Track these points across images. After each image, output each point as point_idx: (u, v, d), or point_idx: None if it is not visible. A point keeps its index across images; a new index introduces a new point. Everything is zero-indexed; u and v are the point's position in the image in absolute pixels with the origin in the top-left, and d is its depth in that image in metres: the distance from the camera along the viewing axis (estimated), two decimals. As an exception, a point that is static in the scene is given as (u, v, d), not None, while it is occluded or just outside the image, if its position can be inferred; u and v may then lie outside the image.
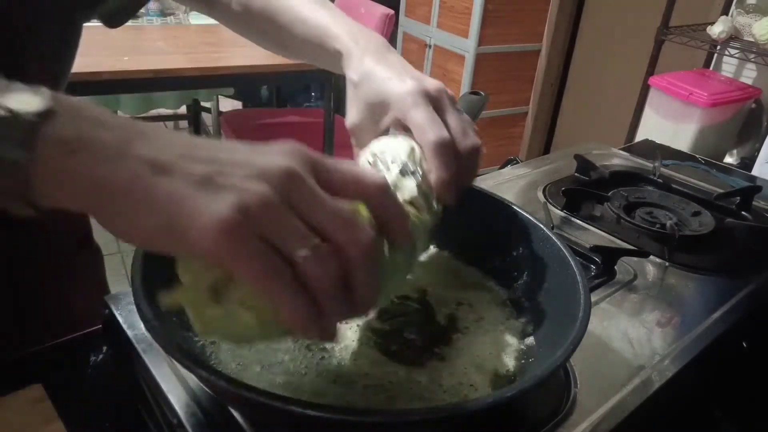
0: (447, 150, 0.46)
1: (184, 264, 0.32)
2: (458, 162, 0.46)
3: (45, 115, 0.28)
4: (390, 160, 0.45)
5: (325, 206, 0.31)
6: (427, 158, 0.46)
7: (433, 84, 0.48)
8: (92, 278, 0.70)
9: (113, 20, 0.65)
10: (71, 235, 0.65)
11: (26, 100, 0.28)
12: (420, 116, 0.46)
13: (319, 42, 0.55)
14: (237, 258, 0.28)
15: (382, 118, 0.50)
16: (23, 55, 0.51)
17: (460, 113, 0.49)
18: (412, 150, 0.46)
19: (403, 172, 0.44)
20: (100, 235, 0.70)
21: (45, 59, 0.54)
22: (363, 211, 0.35)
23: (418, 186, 0.44)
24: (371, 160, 0.46)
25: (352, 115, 0.52)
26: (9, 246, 0.56)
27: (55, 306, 0.62)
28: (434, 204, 0.46)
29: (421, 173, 0.45)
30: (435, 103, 0.48)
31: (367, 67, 0.51)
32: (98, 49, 1.77)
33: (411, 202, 0.43)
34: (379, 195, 0.34)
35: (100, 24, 0.64)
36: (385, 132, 0.51)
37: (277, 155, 0.31)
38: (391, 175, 0.44)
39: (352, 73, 0.52)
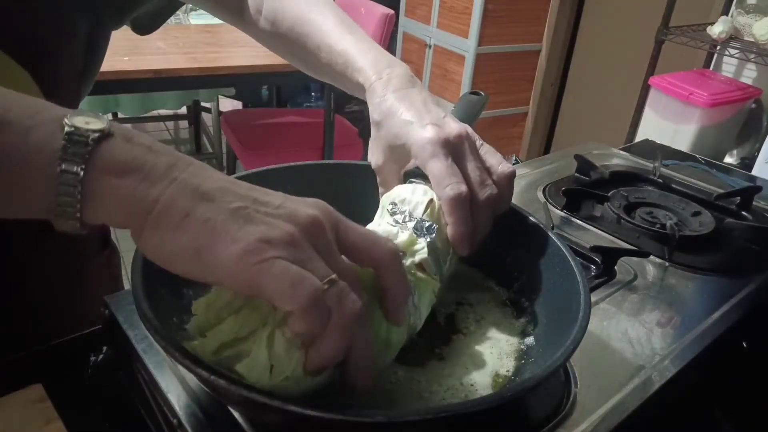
0: (463, 204, 0.46)
1: (197, 327, 0.36)
2: (476, 212, 0.47)
3: (104, 135, 0.31)
4: (408, 211, 0.47)
5: (336, 262, 0.33)
6: (444, 211, 0.47)
7: (453, 129, 0.48)
8: (108, 277, 0.70)
9: (146, 28, 0.66)
10: (92, 236, 0.66)
11: (89, 121, 0.31)
12: (438, 169, 0.46)
13: (343, 71, 0.56)
14: (261, 277, 0.30)
15: (404, 162, 0.50)
16: (57, 57, 0.52)
17: (481, 159, 0.49)
18: (431, 202, 0.47)
19: (418, 230, 0.46)
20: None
21: (75, 62, 0.55)
22: (365, 277, 0.38)
23: (431, 244, 0.45)
24: (390, 208, 0.48)
25: (376, 156, 0.53)
26: (30, 246, 0.56)
27: (70, 304, 0.62)
28: (446, 264, 0.47)
29: (436, 229, 0.46)
30: (455, 150, 0.47)
31: (388, 106, 0.51)
32: (98, 49, 1.77)
33: (420, 264, 0.44)
34: (388, 264, 0.37)
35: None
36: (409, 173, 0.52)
37: (307, 205, 0.34)
38: (406, 231, 0.45)
39: (374, 112, 0.52)
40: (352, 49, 0.55)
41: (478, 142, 0.50)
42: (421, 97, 0.51)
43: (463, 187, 0.46)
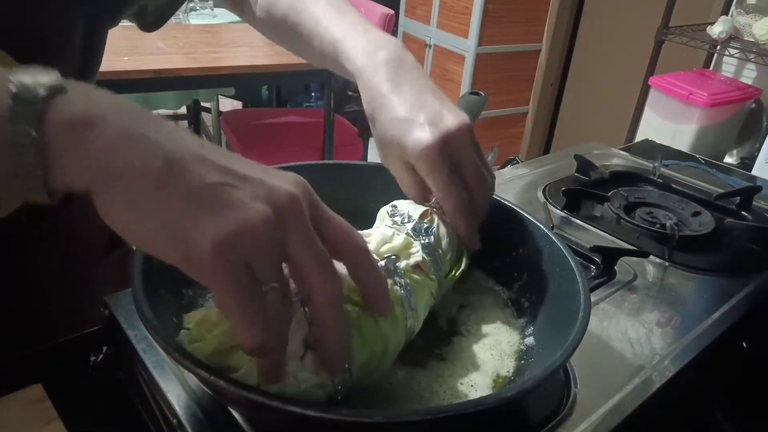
0: (466, 209, 0.47)
1: (188, 340, 0.36)
2: (476, 206, 0.48)
3: (57, 90, 0.29)
4: (407, 213, 0.48)
5: (313, 244, 0.32)
6: (449, 218, 0.48)
7: (451, 126, 0.46)
8: (120, 278, 0.70)
9: (152, 25, 0.67)
10: (101, 237, 0.66)
11: (38, 77, 0.29)
12: (440, 181, 0.46)
13: (334, 59, 0.54)
14: (221, 279, 0.29)
15: (406, 158, 0.48)
16: (55, 56, 0.52)
17: (479, 152, 0.49)
18: (426, 212, 0.48)
19: (416, 230, 0.46)
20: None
21: (74, 65, 0.55)
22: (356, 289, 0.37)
23: (428, 246, 0.46)
24: (389, 210, 0.49)
25: (380, 154, 0.52)
26: (35, 246, 0.56)
27: (79, 305, 0.62)
28: (443, 266, 0.48)
29: (434, 232, 0.47)
30: (453, 150, 0.46)
31: (380, 101, 0.48)
32: (98, 49, 1.77)
33: (417, 266, 0.45)
34: (358, 259, 0.35)
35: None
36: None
37: (286, 181, 0.32)
38: (401, 234, 0.46)
39: (366, 107, 0.50)
40: (341, 36, 0.53)
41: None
42: (415, 86, 0.48)
43: (464, 195, 0.47)
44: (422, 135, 0.46)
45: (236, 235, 0.29)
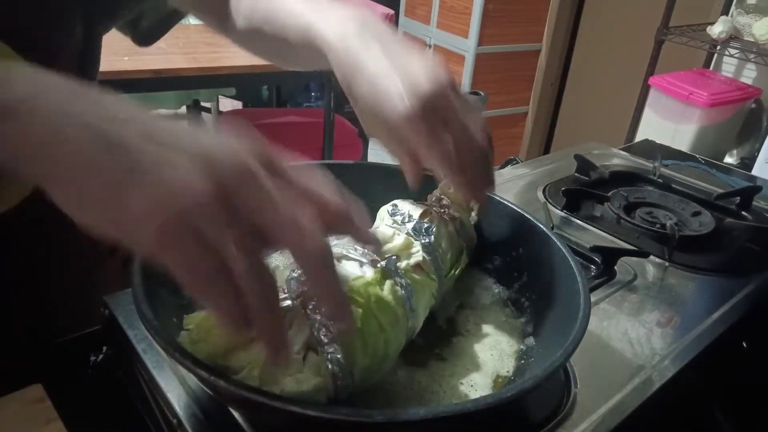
0: (451, 161, 0.44)
1: (189, 342, 0.37)
2: (473, 167, 0.45)
3: None
4: (408, 213, 0.48)
5: (277, 210, 0.29)
6: (449, 180, 0.46)
7: (427, 84, 0.44)
8: (120, 277, 0.69)
9: (147, 38, 0.66)
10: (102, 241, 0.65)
11: None
12: (425, 142, 0.44)
13: (308, 43, 0.51)
14: (169, 251, 0.28)
15: (388, 127, 0.46)
16: (54, 62, 0.52)
17: (463, 99, 0.45)
18: (426, 211, 0.49)
19: (416, 230, 0.47)
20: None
21: (72, 67, 0.55)
22: (362, 289, 0.38)
23: (429, 246, 0.46)
24: (390, 209, 0.49)
25: (364, 126, 0.49)
26: (38, 246, 0.56)
27: (82, 306, 0.62)
28: (444, 266, 0.48)
29: (434, 231, 0.47)
30: (436, 108, 0.44)
31: (352, 70, 0.46)
32: (98, 49, 1.77)
33: (418, 266, 0.45)
34: (315, 261, 0.31)
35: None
36: None
37: (234, 149, 0.30)
38: (402, 234, 0.46)
39: (341, 80, 0.48)
40: (311, 19, 0.51)
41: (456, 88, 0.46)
42: (386, 51, 0.46)
43: (452, 149, 0.44)
44: (400, 103, 0.44)
45: (172, 197, 0.27)
